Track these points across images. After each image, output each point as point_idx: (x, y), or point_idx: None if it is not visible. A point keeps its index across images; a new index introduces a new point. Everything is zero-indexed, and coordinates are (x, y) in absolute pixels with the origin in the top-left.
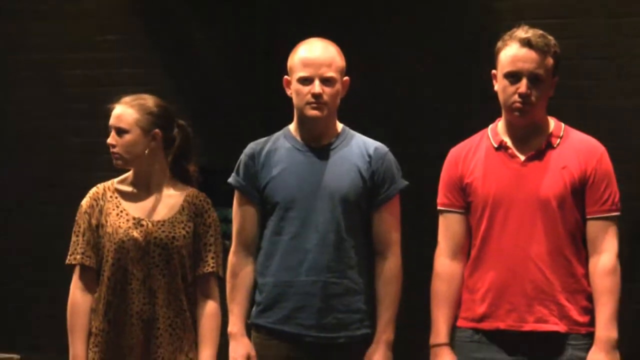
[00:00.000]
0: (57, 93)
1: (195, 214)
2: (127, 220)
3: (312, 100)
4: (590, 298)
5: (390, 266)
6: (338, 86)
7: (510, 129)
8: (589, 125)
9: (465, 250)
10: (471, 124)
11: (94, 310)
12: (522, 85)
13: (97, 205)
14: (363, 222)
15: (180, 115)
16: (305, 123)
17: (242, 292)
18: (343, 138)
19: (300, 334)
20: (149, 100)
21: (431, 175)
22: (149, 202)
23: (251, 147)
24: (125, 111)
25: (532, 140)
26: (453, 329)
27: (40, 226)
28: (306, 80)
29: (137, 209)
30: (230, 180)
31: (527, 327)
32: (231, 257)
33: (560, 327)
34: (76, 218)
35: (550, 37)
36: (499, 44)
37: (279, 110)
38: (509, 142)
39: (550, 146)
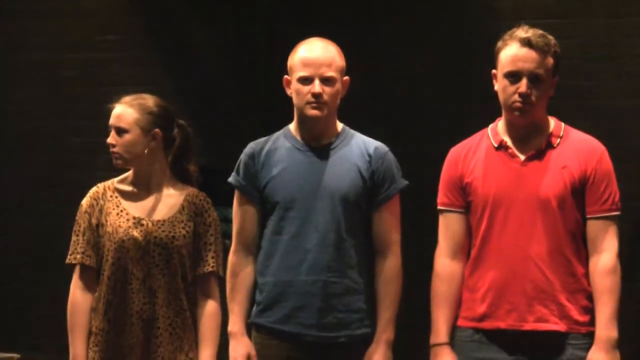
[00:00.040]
0: (57, 93)
1: (195, 213)
2: (127, 220)
3: (312, 100)
4: (590, 298)
5: (390, 266)
6: (338, 86)
7: (511, 129)
8: (589, 125)
9: (465, 249)
10: (471, 124)
11: (94, 310)
12: (522, 85)
13: (97, 204)
14: (363, 222)
15: (180, 115)
16: (305, 123)
17: (242, 292)
18: (343, 138)
19: (301, 334)
20: (149, 100)
21: (431, 175)
22: (149, 201)
23: (251, 146)
24: (125, 111)
25: (532, 140)
26: (453, 329)
27: (40, 226)
28: (306, 80)
29: (137, 209)
30: (231, 179)
31: (528, 326)
32: (231, 257)
33: (561, 327)
34: (76, 217)
35: (551, 37)
36: (499, 43)
37: (279, 110)
38: (509, 142)
39: (550, 146)
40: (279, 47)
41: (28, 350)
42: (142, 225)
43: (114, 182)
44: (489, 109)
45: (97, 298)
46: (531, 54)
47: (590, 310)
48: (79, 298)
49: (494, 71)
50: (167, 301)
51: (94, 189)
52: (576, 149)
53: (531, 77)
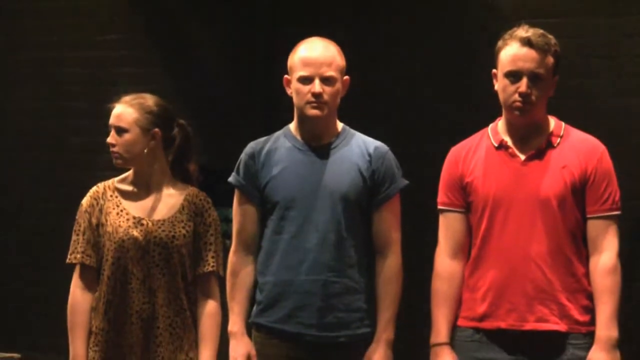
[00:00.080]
0: (57, 92)
1: (196, 213)
2: (127, 220)
3: (312, 99)
4: (590, 297)
5: (391, 265)
6: (338, 85)
7: (511, 128)
8: (589, 124)
9: (465, 249)
10: (471, 124)
11: (94, 309)
12: (523, 85)
13: (97, 204)
14: (363, 221)
15: (180, 115)
16: (305, 122)
17: (242, 291)
18: (343, 137)
19: (301, 333)
20: (149, 100)
21: (431, 174)
22: (149, 201)
23: (251, 146)
24: (125, 110)
25: (532, 140)
26: (453, 329)
27: (40, 226)
28: (306, 80)
29: (137, 208)
30: (231, 179)
31: (528, 326)
32: (231, 257)
33: (561, 327)
34: (76, 217)
35: (551, 37)
36: (499, 43)
37: (279, 110)
38: (509, 142)
39: (550, 145)
40: (279, 47)
41: (28, 350)
42: (142, 224)
43: (114, 181)
44: (489, 109)
45: (97, 298)
46: (531, 53)
47: (590, 310)
48: (79, 298)
49: (494, 71)
50: (167, 301)
51: (94, 188)
52: (576, 148)
53: (531, 76)
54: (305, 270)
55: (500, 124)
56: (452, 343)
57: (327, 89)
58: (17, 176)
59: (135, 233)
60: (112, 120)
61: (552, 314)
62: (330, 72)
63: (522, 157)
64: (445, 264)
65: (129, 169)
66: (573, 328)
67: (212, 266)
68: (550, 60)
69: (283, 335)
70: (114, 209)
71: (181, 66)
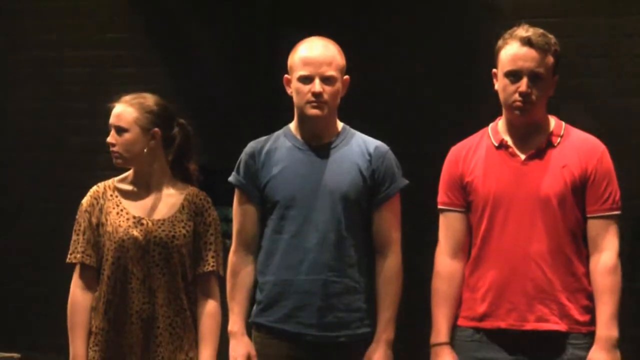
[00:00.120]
0: (57, 92)
1: (196, 212)
2: (127, 219)
3: (313, 99)
4: (591, 297)
5: (391, 265)
6: (338, 85)
7: (511, 128)
8: (589, 124)
9: (465, 249)
10: (471, 124)
11: (94, 309)
12: (523, 84)
13: (97, 204)
14: (363, 221)
15: (180, 115)
16: (305, 122)
17: (242, 291)
18: (343, 137)
19: (301, 333)
20: (149, 99)
21: (431, 174)
22: (149, 200)
23: (251, 145)
24: (125, 110)
25: (532, 139)
26: (453, 328)
27: (40, 226)
28: (306, 79)
29: (137, 208)
30: (231, 179)
31: (528, 326)
32: (231, 256)
33: (561, 327)
34: (77, 217)
35: (551, 36)
36: (500, 42)
37: (279, 110)
38: (509, 141)
39: (550, 145)
40: (279, 47)
41: (28, 350)
42: (142, 224)
43: (114, 181)
44: (489, 109)
45: (97, 297)
46: (531, 53)
47: (590, 310)
48: (79, 297)
49: (494, 70)
50: (167, 301)
51: (94, 188)
52: (577, 148)
53: (531, 76)
54: (305, 270)
55: (500, 123)
56: (452, 343)
57: (327, 88)
58: (17, 176)
59: (135, 233)
60: (112, 119)
61: (552, 314)
62: (331, 72)
63: (523, 156)
64: (446, 263)
65: (129, 169)
66: (573, 328)
67: (212, 266)
68: (551, 59)
69: (283, 335)
70: (114, 208)
71: (181, 66)
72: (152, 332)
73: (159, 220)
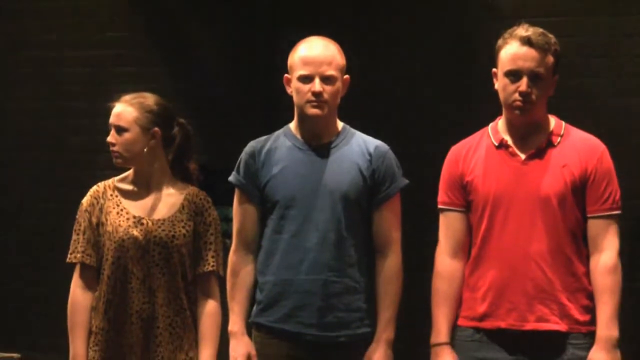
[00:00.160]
0: (57, 92)
1: (196, 212)
2: (127, 219)
3: (313, 98)
4: (591, 297)
5: (391, 265)
6: (338, 84)
7: (511, 128)
8: (589, 124)
9: (465, 248)
10: (471, 124)
11: (94, 309)
12: (523, 84)
13: (97, 203)
14: (363, 221)
15: (180, 115)
16: (305, 121)
17: (242, 291)
18: (343, 136)
19: (301, 333)
20: (149, 99)
21: (431, 174)
22: (149, 200)
23: (252, 145)
24: (124, 109)
25: (532, 139)
26: (454, 328)
27: (40, 226)
28: (306, 79)
29: (137, 208)
30: (231, 178)
31: (528, 326)
32: (231, 256)
33: (561, 327)
34: (77, 216)
35: (551, 36)
36: (500, 42)
37: (279, 110)
38: (509, 141)
39: (550, 144)
40: (279, 46)
41: (28, 350)
42: (142, 224)
43: (114, 181)
44: (489, 109)
45: (97, 297)
46: (531, 52)
47: (591, 310)
48: (79, 297)
49: (494, 70)
50: (167, 300)
51: (94, 187)
52: (577, 147)
53: (531, 75)
54: (305, 270)
55: (500, 123)
56: (453, 343)
57: (327, 88)
58: (17, 176)
59: (135, 232)
60: (112, 119)
61: (552, 314)
62: (331, 71)
63: (523, 156)
64: (446, 263)
65: (129, 168)
66: (573, 328)
67: (212, 266)
68: (551, 59)
69: (283, 334)
70: (114, 208)
71: (181, 66)
72: (152, 331)
73: (159, 220)
